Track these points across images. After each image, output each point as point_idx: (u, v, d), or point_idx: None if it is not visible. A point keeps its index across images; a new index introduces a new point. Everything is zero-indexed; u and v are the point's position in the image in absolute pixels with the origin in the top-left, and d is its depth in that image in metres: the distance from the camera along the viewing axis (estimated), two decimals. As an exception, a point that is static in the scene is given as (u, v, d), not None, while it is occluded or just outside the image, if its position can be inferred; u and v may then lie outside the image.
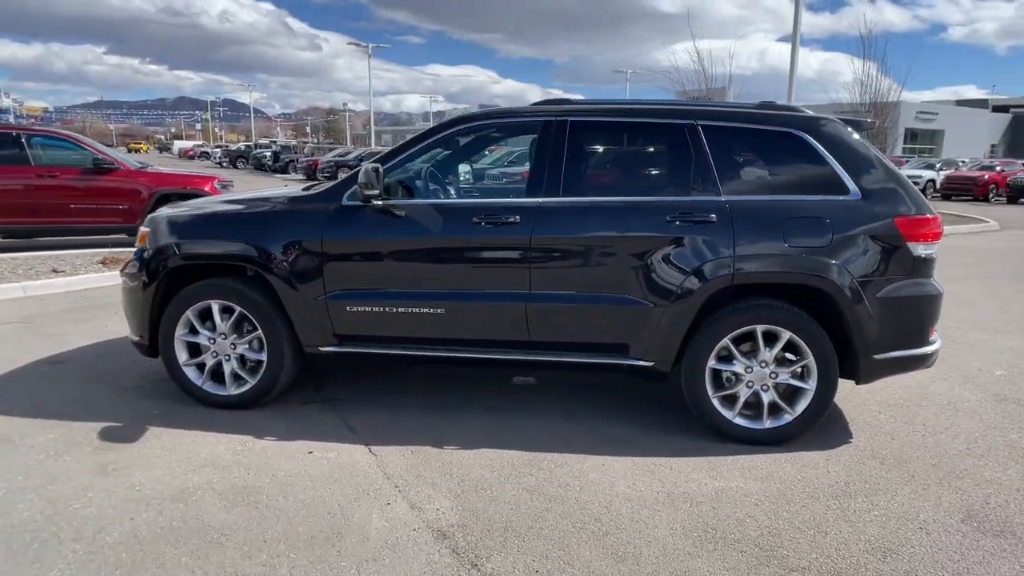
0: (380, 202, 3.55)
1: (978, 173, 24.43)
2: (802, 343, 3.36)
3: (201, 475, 3.14)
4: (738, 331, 3.40)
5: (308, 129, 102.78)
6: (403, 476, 3.16)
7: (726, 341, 3.41)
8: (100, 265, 7.91)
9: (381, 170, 3.46)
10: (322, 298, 3.68)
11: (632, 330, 3.48)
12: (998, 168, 24.86)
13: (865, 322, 3.31)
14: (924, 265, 3.39)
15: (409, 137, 3.85)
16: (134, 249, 4.08)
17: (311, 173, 30.04)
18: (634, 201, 3.49)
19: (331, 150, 37.67)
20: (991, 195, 23.25)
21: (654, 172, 3.59)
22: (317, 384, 4.30)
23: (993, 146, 51.15)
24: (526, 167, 4.70)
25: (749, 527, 2.74)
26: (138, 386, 4.27)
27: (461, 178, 4.62)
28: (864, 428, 3.72)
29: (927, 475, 3.19)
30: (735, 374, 3.47)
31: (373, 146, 41.87)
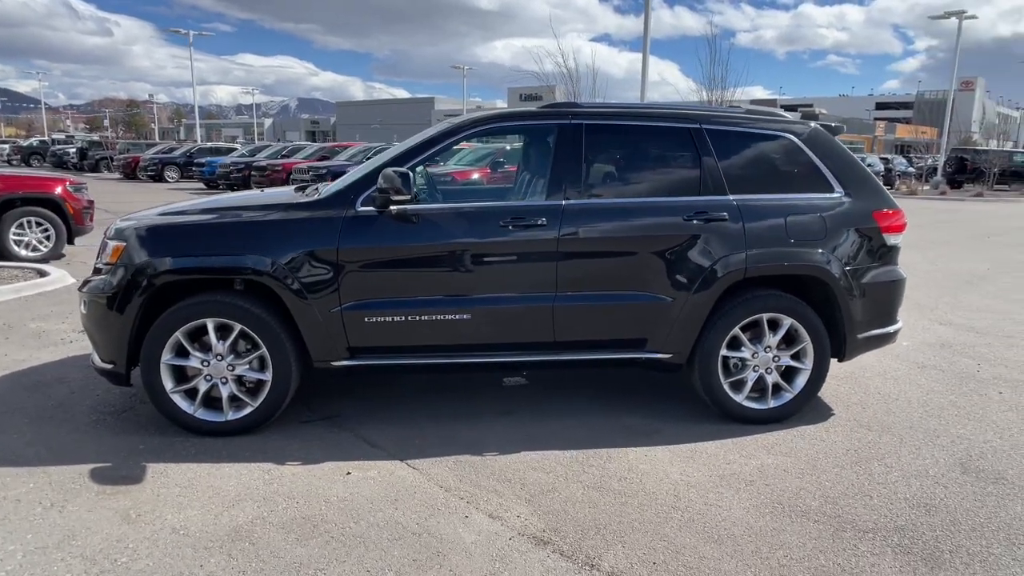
0: (411, 207, 3.42)
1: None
2: (801, 328, 3.73)
3: (246, 510, 2.86)
4: (747, 320, 3.69)
5: (106, 123, 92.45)
6: (461, 488, 3.10)
7: (736, 330, 3.70)
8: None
9: (411, 175, 3.33)
10: (337, 309, 3.47)
11: (652, 325, 3.65)
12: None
13: (853, 306, 3.75)
14: (894, 253, 3.90)
15: (423, 138, 3.72)
16: (100, 264, 3.58)
17: (130, 171, 27.27)
18: (652, 201, 3.67)
19: (151, 146, 33.99)
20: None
21: (666, 173, 3.77)
22: (303, 400, 4.03)
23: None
24: (481, 167, 4.71)
25: (807, 498, 3.02)
26: (97, 420, 3.75)
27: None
28: (836, 401, 4.19)
29: (911, 437, 3.68)
30: (742, 360, 3.77)
31: (200, 141, 39.27)
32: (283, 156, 22.54)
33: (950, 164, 28.03)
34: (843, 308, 3.73)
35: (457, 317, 3.54)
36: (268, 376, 3.51)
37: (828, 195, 3.77)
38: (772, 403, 3.80)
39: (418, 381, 4.40)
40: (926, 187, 27.63)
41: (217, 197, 4.41)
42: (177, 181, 26.64)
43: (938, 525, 2.82)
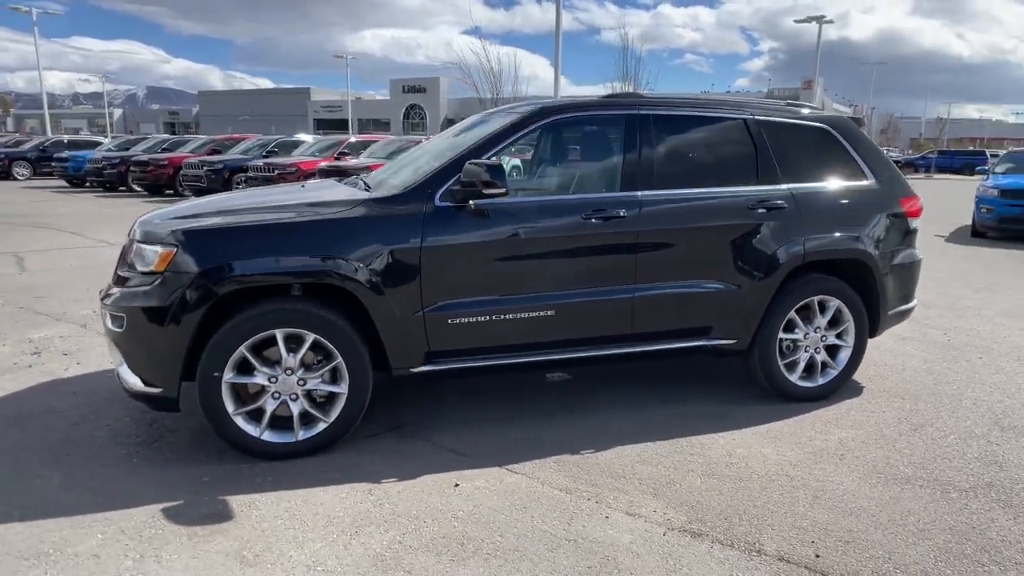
0: (497, 200, 3.26)
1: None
2: (846, 308, 3.97)
3: (374, 535, 2.63)
4: (801, 303, 3.88)
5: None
6: (580, 488, 3.02)
7: (792, 313, 3.87)
8: None
9: (505, 167, 3.18)
10: (420, 312, 3.26)
11: (719, 312, 3.74)
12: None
13: (887, 286, 4.04)
14: (914, 236, 4.23)
15: (493, 130, 3.53)
16: (134, 272, 3.12)
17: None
18: (721, 192, 3.74)
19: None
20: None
21: (725, 163, 3.85)
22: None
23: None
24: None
25: (899, 466, 3.23)
26: (130, 454, 3.29)
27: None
28: (858, 374, 4.50)
29: (942, 403, 4.03)
30: (795, 342, 3.96)
31: (49, 133, 35.56)
32: (164, 150, 20.64)
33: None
34: (880, 288, 4.01)
35: (540, 314, 3.44)
36: (343, 388, 3.23)
37: (863, 183, 4.03)
38: (820, 381, 4.02)
39: (462, 384, 4.23)
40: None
41: (238, 195, 3.99)
42: (29, 179, 23.73)
43: (1018, 479, 3.12)
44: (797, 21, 32.13)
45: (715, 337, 3.79)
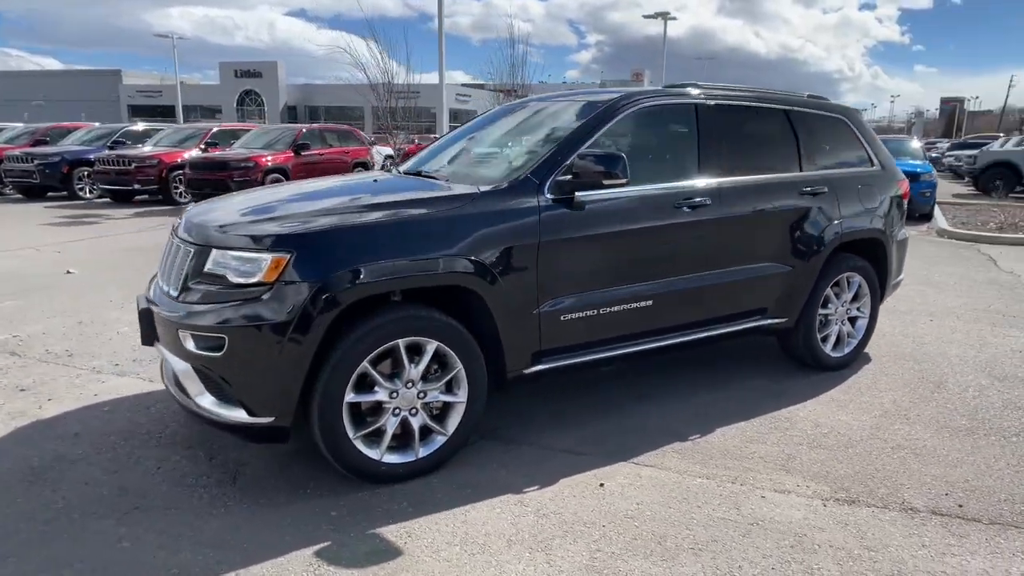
0: (612, 191, 3.18)
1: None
2: (864, 283, 4.37)
3: (569, 549, 2.50)
4: (835, 280, 4.21)
5: None
6: (717, 474, 3.07)
7: (829, 290, 4.20)
8: None
9: (625, 158, 3.09)
10: (536, 310, 3.12)
11: (775, 293, 3.96)
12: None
13: (893, 260, 4.50)
14: (904, 215, 4.74)
15: (584, 121, 3.40)
16: (238, 284, 2.66)
17: None
18: (778, 178, 3.94)
19: None
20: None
21: (775, 151, 4.02)
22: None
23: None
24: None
25: (956, 418, 3.65)
26: (223, 494, 2.85)
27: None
28: (852, 341, 4.97)
29: (940, 362, 4.55)
30: (826, 316, 4.29)
31: None
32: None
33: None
34: (888, 264, 4.46)
35: (641, 304, 3.43)
36: (461, 397, 3.01)
37: (872, 168, 4.44)
38: (846, 350, 4.40)
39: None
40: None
41: (285, 191, 3.52)
42: None
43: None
44: (646, 16, 34.23)
45: (770, 316, 4.01)
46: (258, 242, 2.68)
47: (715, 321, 3.80)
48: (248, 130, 16.28)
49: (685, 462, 3.17)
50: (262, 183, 12.28)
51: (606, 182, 3.10)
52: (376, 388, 2.83)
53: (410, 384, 2.88)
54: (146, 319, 3.00)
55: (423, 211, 2.93)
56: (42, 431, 3.43)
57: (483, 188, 3.12)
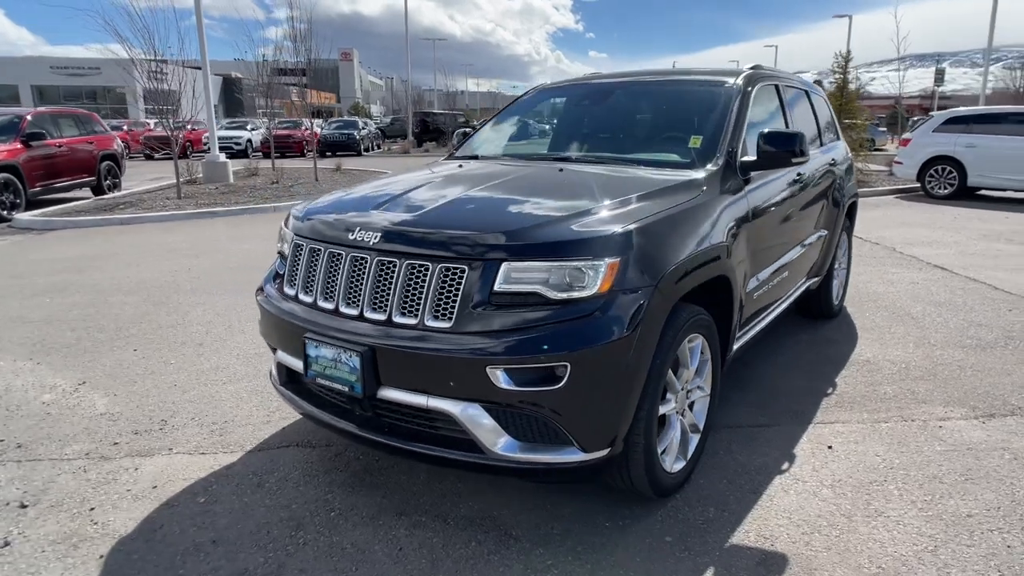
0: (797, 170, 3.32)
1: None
2: (847, 236, 5.12)
3: (903, 500, 2.63)
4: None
5: None
6: (887, 416, 3.43)
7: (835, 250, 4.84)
8: None
9: (803, 135, 3.19)
10: (748, 291, 3.13)
11: (813, 259, 4.44)
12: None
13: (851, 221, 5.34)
14: (845, 180, 5.62)
15: (740, 105, 3.37)
16: (562, 301, 2.19)
17: None
18: (822, 151, 4.42)
19: None
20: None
21: (807, 127, 4.44)
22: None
23: (216, 106, 57.69)
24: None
25: (1006, 398, 4.52)
26: (418, 522, 2.37)
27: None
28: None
29: (953, 327, 4.92)
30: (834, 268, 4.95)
31: None
32: None
33: (416, 125, 32.89)
34: (852, 223, 5.28)
35: (783, 276, 3.62)
36: (707, 390, 2.91)
37: (840, 140, 5.18)
38: (841, 294, 5.15)
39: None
40: (395, 146, 31.91)
41: (424, 177, 2.92)
42: None
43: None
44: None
45: (812, 277, 4.50)
46: (586, 247, 2.24)
47: (795, 290, 4.13)
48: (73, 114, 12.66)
49: (854, 413, 3.47)
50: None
51: (795, 160, 3.18)
52: (668, 395, 2.59)
53: (684, 386, 2.70)
54: (369, 362, 2.31)
55: (678, 200, 2.71)
56: (210, 483, 2.43)
57: (691, 175, 2.97)
